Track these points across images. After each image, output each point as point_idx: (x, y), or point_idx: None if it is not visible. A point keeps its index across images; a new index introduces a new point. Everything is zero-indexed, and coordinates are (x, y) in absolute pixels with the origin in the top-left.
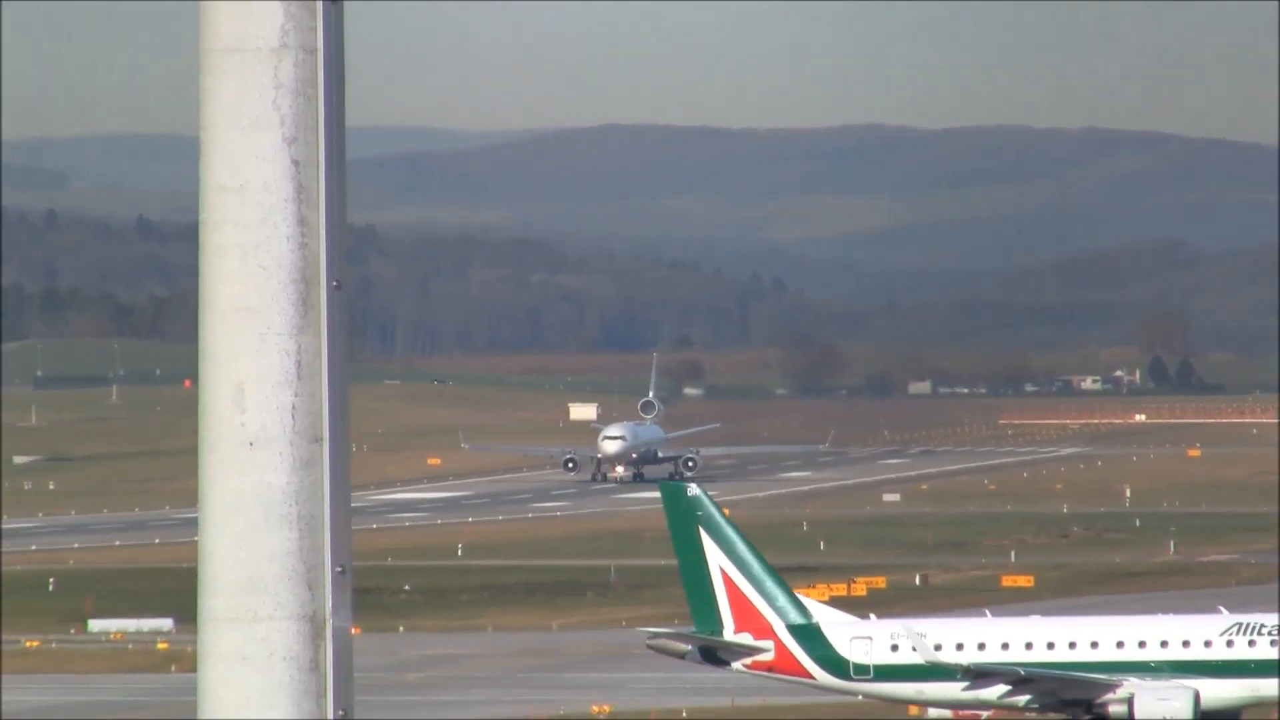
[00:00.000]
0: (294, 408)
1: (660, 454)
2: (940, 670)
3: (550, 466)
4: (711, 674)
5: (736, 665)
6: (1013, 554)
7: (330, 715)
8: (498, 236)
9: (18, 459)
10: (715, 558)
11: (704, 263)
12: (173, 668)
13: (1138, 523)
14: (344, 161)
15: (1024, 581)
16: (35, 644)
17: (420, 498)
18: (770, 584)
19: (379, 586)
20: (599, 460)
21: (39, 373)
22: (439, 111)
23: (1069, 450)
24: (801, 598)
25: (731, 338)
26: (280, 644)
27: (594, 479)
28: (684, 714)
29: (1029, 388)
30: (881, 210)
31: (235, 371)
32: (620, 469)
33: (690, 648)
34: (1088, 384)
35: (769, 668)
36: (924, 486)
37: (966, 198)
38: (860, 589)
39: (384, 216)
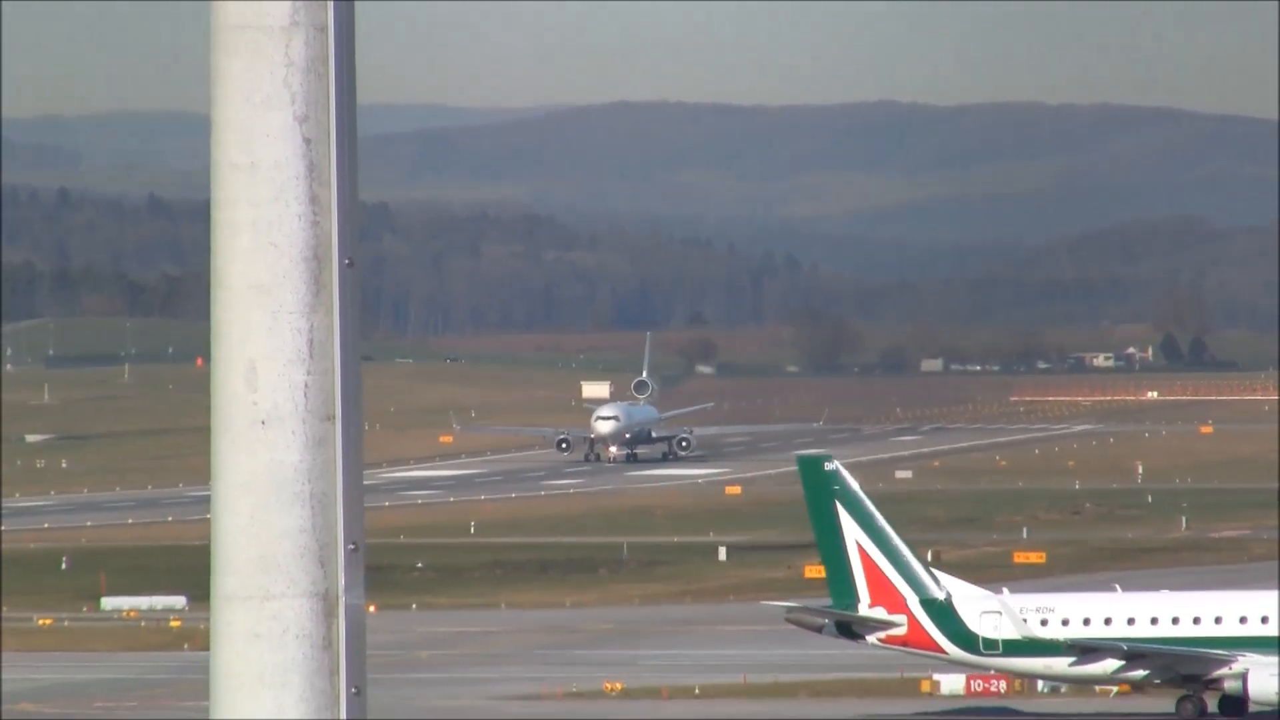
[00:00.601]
0: (306, 386)
1: (654, 434)
2: (1059, 646)
3: (542, 447)
4: (722, 651)
5: (871, 640)
6: (1025, 530)
7: (343, 692)
8: (510, 214)
9: (30, 437)
10: (851, 532)
11: (717, 240)
12: (185, 645)
13: (1150, 499)
14: (355, 139)
15: (1036, 558)
16: (48, 622)
17: (433, 475)
18: (905, 558)
19: (392, 564)
20: (592, 441)
21: (51, 351)
22: (451, 89)
23: (1081, 427)
24: (936, 571)
25: (744, 315)
26: (293, 621)
27: (587, 459)
28: (696, 690)
29: (1041, 365)
30: (895, 187)
31: (247, 350)
32: (614, 449)
33: (826, 622)
34: (1100, 361)
35: (902, 642)
36: (936, 463)
37: (980, 175)
38: None
39: (396, 194)
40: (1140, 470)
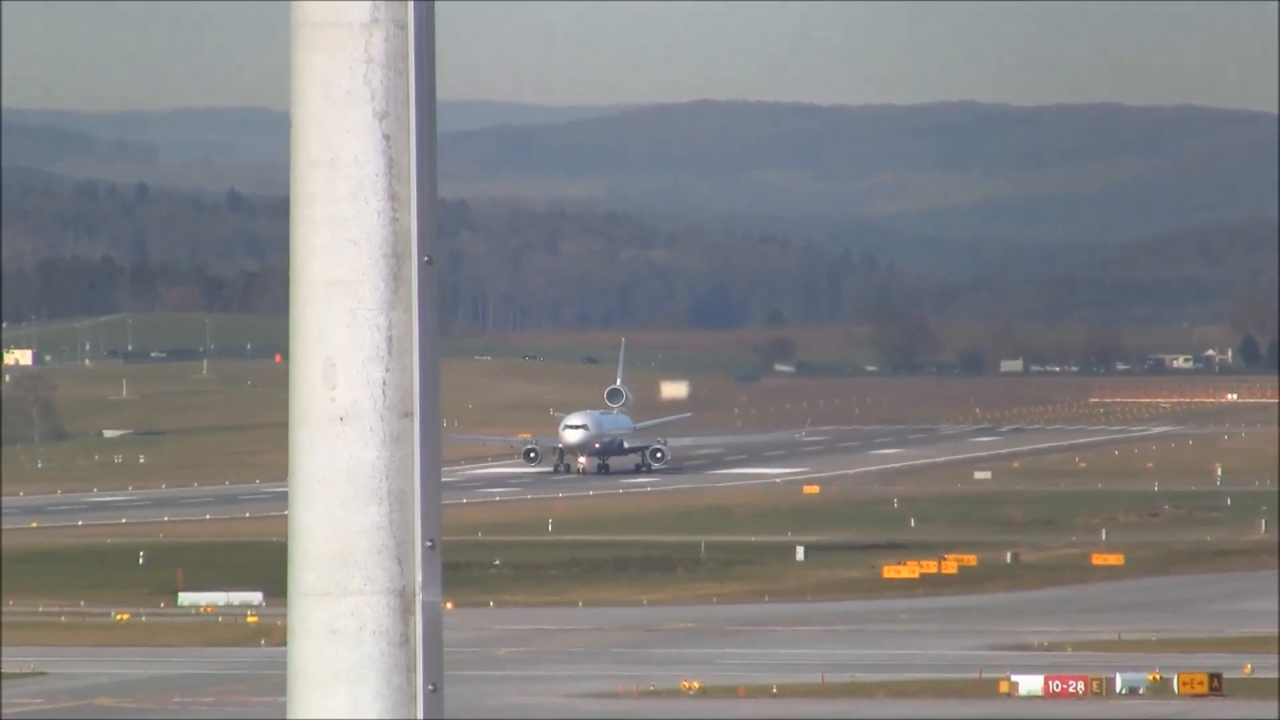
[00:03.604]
0: (385, 383)
1: (626, 444)
2: None
3: (514, 456)
4: (800, 651)
5: None
6: (1103, 532)
7: (420, 689)
8: (588, 211)
9: (108, 433)
10: None
11: (795, 238)
12: (262, 641)
13: (1228, 501)
14: (435, 136)
15: (1114, 560)
16: (125, 617)
17: (511, 473)
18: None
19: (470, 561)
20: (560, 450)
21: (130, 347)
22: (531, 86)
23: (1160, 429)
24: None
25: (822, 314)
26: (370, 618)
27: (556, 470)
28: (774, 689)
29: (1120, 366)
30: (974, 186)
31: (326, 346)
32: (583, 460)
33: None
34: (1179, 362)
35: None
36: (1015, 464)
37: (1059, 174)
38: (951, 566)
39: (475, 191)
40: (1219, 472)
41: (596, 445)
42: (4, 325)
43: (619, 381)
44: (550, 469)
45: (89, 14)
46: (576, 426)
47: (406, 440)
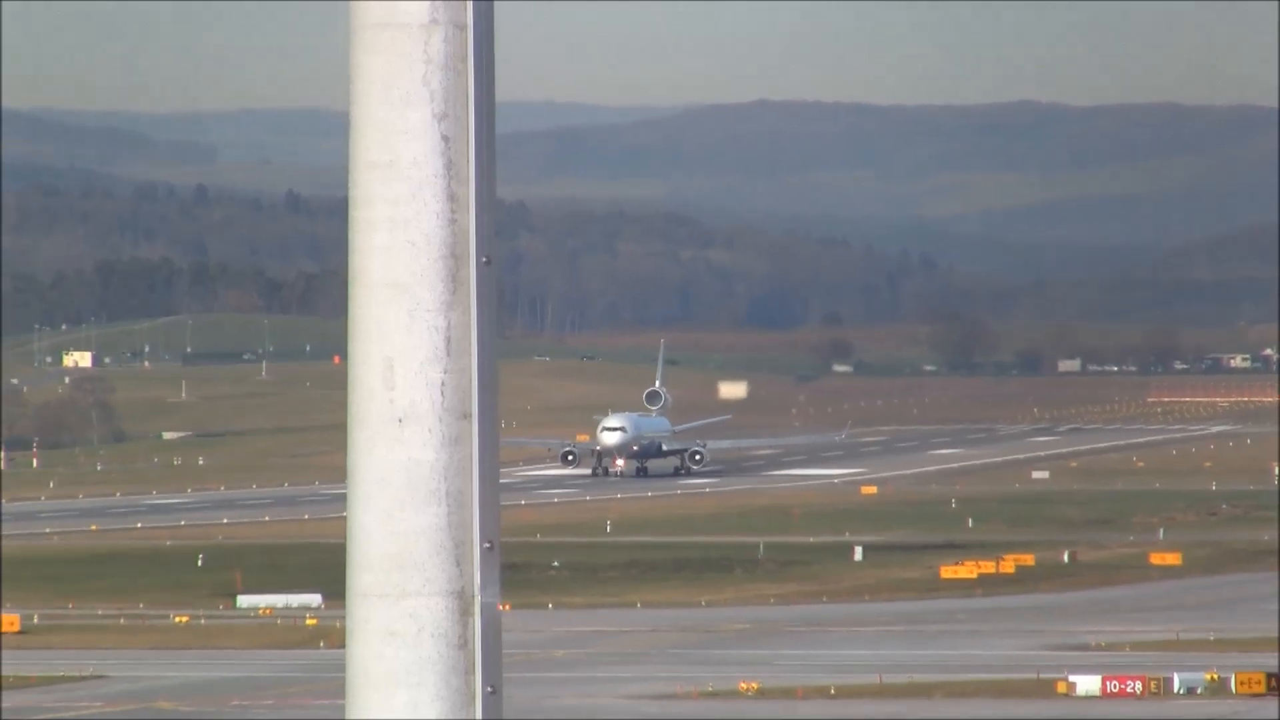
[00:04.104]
0: (443, 384)
1: (665, 447)
2: None
3: (549, 459)
4: (857, 651)
5: None
6: (1161, 532)
7: (478, 691)
8: (647, 211)
9: (167, 434)
10: None
11: (853, 239)
12: (321, 643)
13: None
14: (493, 137)
15: (1172, 559)
16: (184, 619)
17: (569, 474)
18: None
19: (528, 563)
20: (599, 453)
21: (188, 348)
22: (589, 86)
23: (1218, 428)
24: None
25: (881, 314)
26: (428, 620)
27: (594, 473)
28: (832, 691)
29: (1178, 365)
30: (1032, 187)
31: (384, 347)
32: (621, 462)
33: None
34: (1237, 362)
35: None
36: (1073, 464)
37: (1117, 175)
38: (1009, 566)
39: (534, 192)
40: (1277, 471)
41: (634, 448)
42: (64, 327)
43: (657, 384)
44: (589, 471)
45: (148, 15)
46: (614, 429)
47: (465, 441)
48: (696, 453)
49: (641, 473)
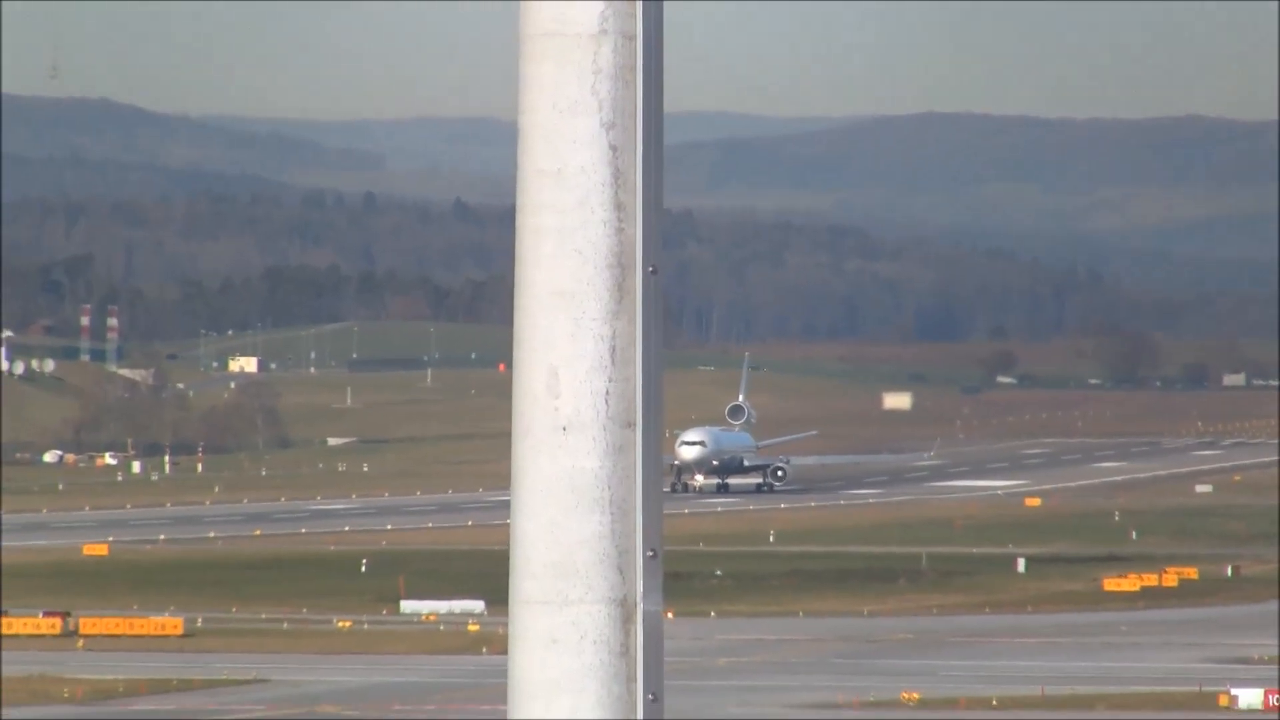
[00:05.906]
0: (608, 393)
1: (747, 462)
2: None
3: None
4: (1020, 663)
5: None
6: None
7: (640, 698)
8: (814, 223)
9: (332, 440)
10: None
11: (1020, 252)
12: (484, 649)
13: None
14: (661, 147)
15: None
16: (348, 625)
17: (732, 483)
18: None
19: (691, 571)
20: (678, 468)
21: (354, 355)
22: (757, 97)
23: None
24: None
25: (1046, 327)
26: (591, 627)
27: (673, 489)
28: (994, 702)
29: None
30: (1199, 201)
31: (550, 356)
32: (700, 477)
33: None
34: None
35: None
36: (1237, 478)
37: None
38: (1171, 579)
39: (701, 201)
40: None
41: (714, 463)
42: (230, 333)
43: (740, 398)
44: (668, 487)
45: (319, 23)
46: (693, 443)
47: (629, 450)
48: (779, 469)
49: (722, 489)
